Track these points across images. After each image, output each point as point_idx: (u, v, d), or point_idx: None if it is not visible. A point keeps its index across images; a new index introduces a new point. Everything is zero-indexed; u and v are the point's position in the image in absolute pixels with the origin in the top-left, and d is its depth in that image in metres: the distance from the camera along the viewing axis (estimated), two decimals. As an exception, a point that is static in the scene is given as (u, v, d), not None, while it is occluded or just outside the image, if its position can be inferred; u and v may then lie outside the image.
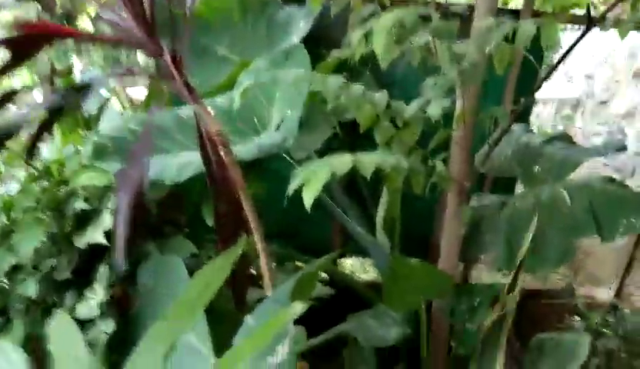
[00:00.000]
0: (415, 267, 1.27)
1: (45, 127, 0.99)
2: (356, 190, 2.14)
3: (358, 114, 1.22)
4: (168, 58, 1.03)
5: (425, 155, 1.34)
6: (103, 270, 1.29)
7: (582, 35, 1.24)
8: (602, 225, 1.27)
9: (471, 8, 1.88)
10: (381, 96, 1.15)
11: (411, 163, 1.11)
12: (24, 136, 1.08)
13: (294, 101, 1.47)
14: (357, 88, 1.15)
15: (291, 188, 0.96)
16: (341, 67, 1.69)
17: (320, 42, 1.94)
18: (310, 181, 0.93)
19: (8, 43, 0.86)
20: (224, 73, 1.96)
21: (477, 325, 1.33)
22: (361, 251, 2.48)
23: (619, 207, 1.26)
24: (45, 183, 1.45)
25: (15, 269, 1.27)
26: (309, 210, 0.94)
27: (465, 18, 1.58)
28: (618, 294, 2.31)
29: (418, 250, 2.28)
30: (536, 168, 1.55)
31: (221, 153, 1.10)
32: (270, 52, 1.88)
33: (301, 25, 1.96)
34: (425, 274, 1.30)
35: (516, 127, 1.72)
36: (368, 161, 1.00)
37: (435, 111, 1.07)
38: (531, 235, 1.33)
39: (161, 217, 1.47)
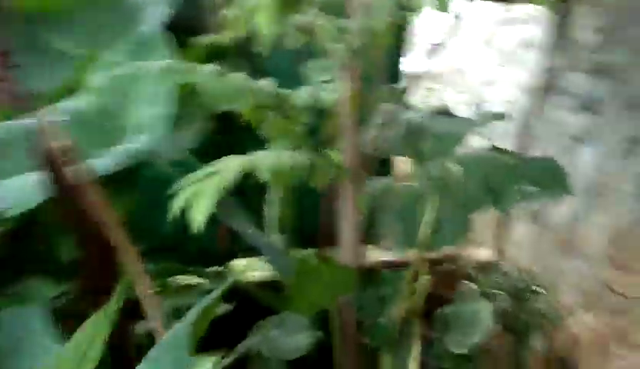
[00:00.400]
0: (323, 267, 1.17)
1: None
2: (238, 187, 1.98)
3: (241, 106, 1.07)
4: None
5: (316, 146, 1.24)
6: None
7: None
8: (498, 196, 1.27)
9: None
10: (267, 84, 1.01)
11: (312, 158, 0.99)
12: None
13: (159, 98, 1.26)
14: (237, 76, 0.99)
15: (176, 207, 0.79)
16: (211, 57, 1.51)
17: (180, 30, 1.73)
18: (198, 200, 0.77)
19: None
20: (70, 72, 1.67)
21: (388, 317, 1.27)
22: (251, 251, 2.34)
23: (511, 176, 1.27)
24: None
25: None
26: (196, 230, 0.78)
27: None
28: (499, 253, 2.45)
29: (311, 246, 2.21)
30: (423, 145, 1.53)
31: (71, 171, 0.87)
32: (121, 43, 1.62)
33: (155, 11, 1.72)
34: (333, 272, 1.21)
35: (394, 106, 1.68)
36: (264, 164, 0.86)
37: (330, 95, 0.95)
38: (429, 214, 1.30)
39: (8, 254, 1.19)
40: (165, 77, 1.13)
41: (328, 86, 0.97)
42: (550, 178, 1.25)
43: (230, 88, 0.98)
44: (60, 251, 1.23)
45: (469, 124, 1.48)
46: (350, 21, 0.98)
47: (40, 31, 1.76)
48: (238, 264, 2.38)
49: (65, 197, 0.90)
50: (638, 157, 1.80)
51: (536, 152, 2.31)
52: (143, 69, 1.03)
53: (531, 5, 2.51)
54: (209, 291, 1.91)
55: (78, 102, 1.40)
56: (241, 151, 1.96)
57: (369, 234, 1.47)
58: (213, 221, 1.99)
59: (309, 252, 1.71)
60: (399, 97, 1.19)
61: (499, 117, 1.51)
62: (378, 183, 1.56)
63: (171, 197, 0.95)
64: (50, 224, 1.25)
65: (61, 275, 1.14)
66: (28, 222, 1.20)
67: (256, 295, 1.79)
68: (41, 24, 1.76)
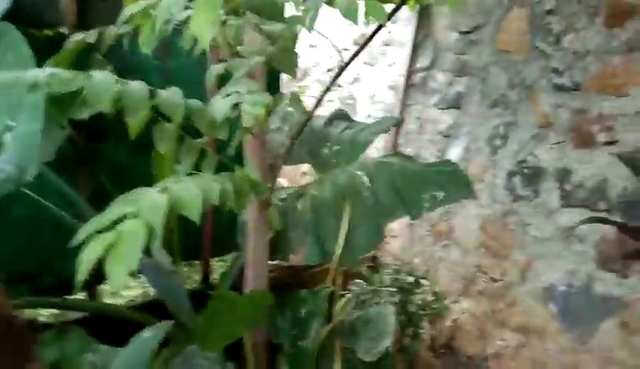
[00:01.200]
0: (238, 299, 1.05)
1: None
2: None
3: (132, 119, 0.89)
4: None
5: (222, 161, 1.10)
6: None
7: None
8: (408, 204, 1.27)
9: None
10: (173, 93, 0.86)
11: (235, 183, 0.86)
12: None
13: (23, 109, 1.00)
14: (136, 85, 0.82)
15: (88, 262, 0.61)
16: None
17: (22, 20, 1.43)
18: (118, 252, 0.60)
19: None
20: None
21: (310, 339, 1.20)
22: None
23: (421, 183, 1.27)
24: None
25: None
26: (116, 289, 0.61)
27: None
28: (379, 247, 2.51)
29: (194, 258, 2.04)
30: (325, 152, 1.48)
31: None
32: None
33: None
34: (249, 301, 1.09)
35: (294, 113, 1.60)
36: (191, 198, 0.71)
37: (256, 110, 0.83)
38: (342, 224, 1.25)
39: None
40: (32, 86, 0.89)
41: (259, 97, 0.84)
42: (455, 183, 1.28)
43: (130, 100, 0.81)
44: None
45: (373, 131, 1.46)
46: (278, 26, 0.87)
47: None
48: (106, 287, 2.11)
49: None
50: (505, 150, 1.96)
51: (408, 149, 2.41)
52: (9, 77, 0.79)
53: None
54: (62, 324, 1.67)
55: None
56: (108, 160, 1.74)
57: (278, 248, 1.37)
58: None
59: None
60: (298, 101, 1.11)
61: (398, 121, 1.52)
62: (282, 192, 1.48)
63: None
64: None
65: None
66: None
67: (130, 317, 1.60)
68: None
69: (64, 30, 1.64)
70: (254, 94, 0.84)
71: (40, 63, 1.10)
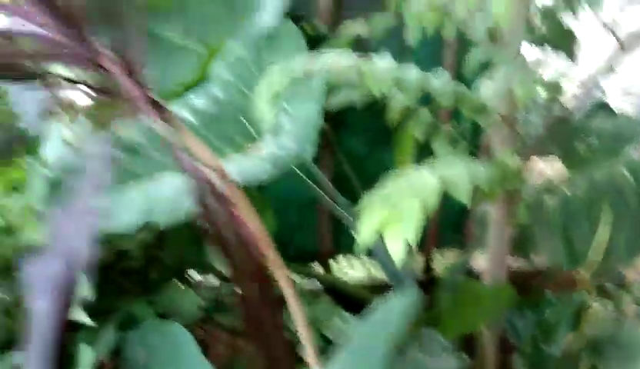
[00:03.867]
0: (483, 289, 1.03)
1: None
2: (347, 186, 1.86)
3: (398, 103, 0.94)
4: (115, 67, 0.68)
5: (471, 149, 1.09)
6: (84, 350, 0.95)
7: None
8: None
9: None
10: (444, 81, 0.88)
11: (491, 171, 0.85)
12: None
13: (303, 95, 1.14)
14: (413, 70, 0.86)
15: (369, 231, 0.67)
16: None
17: (299, 18, 1.62)
18: (396, 227, 0.65)
19: None
20: (184, 65, 1.61)
21: (555, 347, 1.11)
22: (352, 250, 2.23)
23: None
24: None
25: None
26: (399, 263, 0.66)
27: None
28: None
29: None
30: (579, 145, 1.34)
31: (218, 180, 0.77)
32: (240, 34, 1.53)
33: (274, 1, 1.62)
34: (492, 293, 1.07)
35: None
36: (461, 180, 0.72)
37: (527, 89, 0.79)
38: (601, 229, 1.13)
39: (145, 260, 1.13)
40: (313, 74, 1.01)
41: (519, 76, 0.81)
42: None
43: (411, 86, 0.85)
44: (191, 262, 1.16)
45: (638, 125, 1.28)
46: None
47: (154, 24, 1.71)
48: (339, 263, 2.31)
49: (209, 205, 0.80)
50: None
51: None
52: (300, 66, 0.91)
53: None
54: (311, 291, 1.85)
55: (207, 96, 1.32)
56: (352, 150, 1.87)
57: (519, 245, 1.31)
58: (315, 218, 1.93)
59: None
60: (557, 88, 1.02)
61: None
62: (531, 189, 1.40)
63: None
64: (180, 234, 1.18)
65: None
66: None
67: (355, 294, 1.69)
68: (154, 18, 1.71)
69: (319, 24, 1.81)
70: (522, 71, 0.80)
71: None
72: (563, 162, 1.40)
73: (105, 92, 0.78)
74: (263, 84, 0.93)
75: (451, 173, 0.74)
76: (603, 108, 1.40)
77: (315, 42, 1.51)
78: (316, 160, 1.91)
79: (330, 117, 1.61)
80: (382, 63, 0.85)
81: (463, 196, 0.71)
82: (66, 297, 0.52)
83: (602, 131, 1.31)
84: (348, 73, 0.84)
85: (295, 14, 1.77)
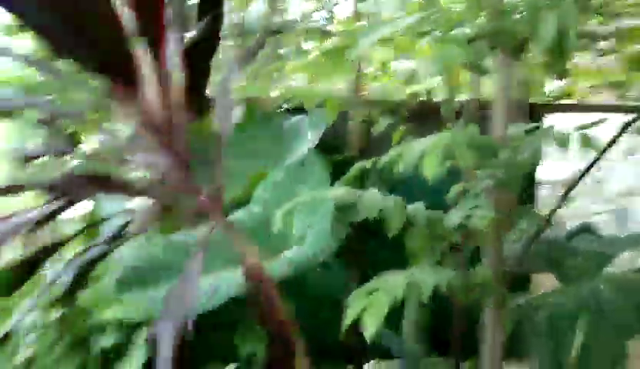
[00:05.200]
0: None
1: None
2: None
3: (394, 225, 1.20)
4: (204, 197, 1.00)
5: (460, 261, 1.31)
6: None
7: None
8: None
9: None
10: (416, 209, 1.14)
11: (463, 277, 1.07)
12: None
13: (318, 213, 1.44)
14: (396, 200, 1.14)
15: (350, 317, 0.91)
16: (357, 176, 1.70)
17: (333, 149, 1.98)
18: (370, 312, 0.88)
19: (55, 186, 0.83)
20: (232, 185, 1.96)
21: None
22: (382, 354, 2.38)
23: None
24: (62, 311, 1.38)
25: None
26: (370, 339, 0.88)
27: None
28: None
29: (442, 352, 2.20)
30: (570, 264, 1.53)
31: (264, 282, 1.04)
32: (281, 162, 1.89)
33: (310, 134, 1.99)
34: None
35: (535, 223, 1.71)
36: (427, 285, 0.96)
37: (480, 222, 1.05)
38: (580, 340, 1.28)
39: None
40: (324, 200, 1.31)
41: (483, 212, 1.06)
42: None
43: (386, 211, 1.12)
44: (241, 346, 1.40)
45: (621, 245, 1.46)
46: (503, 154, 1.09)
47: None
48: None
49: (254, 295, 1.06)
50: None
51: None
52: (318, 195, 1.22)
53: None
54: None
55: (248, 213, 1.64)
56: (374, 256, 2.11)
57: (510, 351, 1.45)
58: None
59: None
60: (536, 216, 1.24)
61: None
62: (520, 299, 1.57)
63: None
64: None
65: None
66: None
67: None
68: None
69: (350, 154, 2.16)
70: (481, 209, 1.06)
71: (332, 180, 1.56)
72: (557, 277, 1.58)
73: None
74: (286, 206, 1.22)
75: (419, 277, 0.98)
76: (587, 229, 1.59)
77: (343, 166, 1.84)
78: (345, 262, 2.15)
79: (356, 225, 1.90)
80: (368, 195, 1.13)
81: (424, 293, 0.94)
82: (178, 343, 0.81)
83: (586, 251, 1.50)
84: (346, 201, 1.12)
85: (330, 145, 2.14)
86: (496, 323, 1.38)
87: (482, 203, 1.10)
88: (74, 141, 2.17)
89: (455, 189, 1.28)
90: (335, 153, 2.19)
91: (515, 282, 1.76)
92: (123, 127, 1.17)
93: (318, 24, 3.02)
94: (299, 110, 2.03)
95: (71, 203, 0.87)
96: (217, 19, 1.14)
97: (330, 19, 3.29)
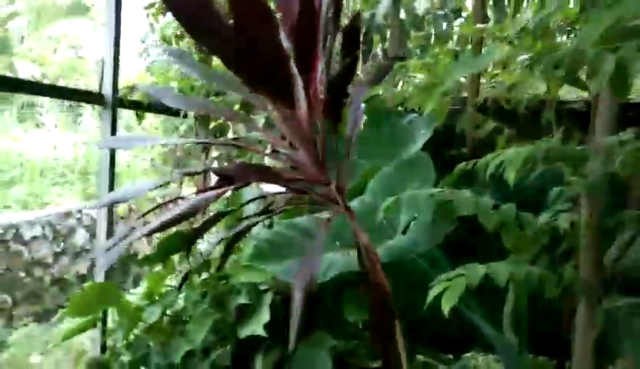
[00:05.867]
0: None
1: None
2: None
3: (486, 223, 1.34)
4: (333, 187, 1.25)
5: (553, 260, 1.41)
6: (259, 360, 1.49)
7: None
8: None
9: (588, 104, 1.97)
10: (508, 209, 1.27)
11: (541, 272, 1.19)
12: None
13: (420, 208, 1.62)
14: (485, 201, 1.28)
15: (431, 296, 1.10)
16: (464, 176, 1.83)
17: (445, 144, 2.12)
18: (448, 292, 1.06)
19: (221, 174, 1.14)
20: (356, 177, 2.20)
21: None
22: (484, 347, 2.46)
23: None
24: (205, 275, 1.73)
25: (189, 355, 1.50)
26: (446, 314, 1.06)
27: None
28: None
29: (544, 348, 2.23)
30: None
31: (373, 259, 1.26)
32: (394, 157, 2.08)
33: (422, 132, 2.16)
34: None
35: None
36: (502, 272, 1.11)
37: (563, 223, 1.15)
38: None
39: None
40: (426, 197, 1.48)
41: (567, 215, 1.17)
42: None
43: (480, 210, 1.26)
44: (347, 313, 1.65)
45: None
46: (590, 165, 1.18)
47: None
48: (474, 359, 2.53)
49: (365, 272, 1.28)
50: None
51: None
52: (420, 195, 1.39)
53: None
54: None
55: (361, 202, 1.87)
56: (481, 249, 2.21)
57: (603, 351, 1.50)
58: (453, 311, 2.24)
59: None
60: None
61: None
62: (619, 301, 1.60)
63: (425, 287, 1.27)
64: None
65: (345, 332, 1.56)
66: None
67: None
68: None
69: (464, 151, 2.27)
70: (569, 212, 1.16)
71: (443, 175, 1.72)
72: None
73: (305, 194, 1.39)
74: (390, 199, 1.42)
75: (495, 267, 1.13)
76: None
77: (456, 161, 1.98)
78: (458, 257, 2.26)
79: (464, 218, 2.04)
80: (462, 194, 1.29)
81: (500, 282, 1.08)
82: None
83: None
84: (443, 199, 1.29)
85: (445, 140, 2.27)
86: (588, 322, 1.44)
87: (567, 207, 1.19)
88: (221, 134, 2.58)
89: (554, 193, 1.38)
90: (448, 148, 2.32)
91: (611, 284, 1.78)
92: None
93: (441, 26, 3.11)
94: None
95: (236, 188, 1.17)
96: (355, 58, 1.38)
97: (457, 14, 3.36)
